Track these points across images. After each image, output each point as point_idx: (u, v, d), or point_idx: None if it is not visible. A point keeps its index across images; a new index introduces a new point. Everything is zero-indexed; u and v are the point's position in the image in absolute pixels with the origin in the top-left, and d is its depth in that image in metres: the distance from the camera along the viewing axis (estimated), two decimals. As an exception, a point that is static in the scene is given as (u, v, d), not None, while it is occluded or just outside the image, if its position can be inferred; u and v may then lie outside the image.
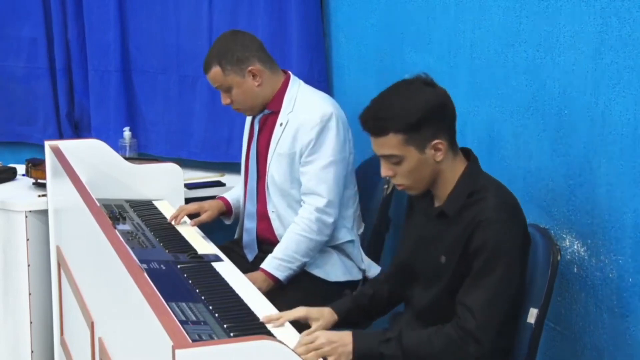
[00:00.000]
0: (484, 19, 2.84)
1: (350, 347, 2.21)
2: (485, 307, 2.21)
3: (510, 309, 2.29)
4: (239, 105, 3.17)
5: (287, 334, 2.30)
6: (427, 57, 3.19)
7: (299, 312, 2.39)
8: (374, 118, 2.29)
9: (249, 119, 3.34)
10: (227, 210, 3.35)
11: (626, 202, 2.29)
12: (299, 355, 2.07)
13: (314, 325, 2.38)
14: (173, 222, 3.21)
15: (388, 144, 2.27)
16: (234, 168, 4.07)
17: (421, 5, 3.21)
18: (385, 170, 2.33)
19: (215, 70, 3.13)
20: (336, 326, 2.43)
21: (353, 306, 2.51)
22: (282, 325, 2.33)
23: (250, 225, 3.25)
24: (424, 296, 2.41)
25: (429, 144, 2.27)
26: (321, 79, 3.84)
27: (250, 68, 3.11)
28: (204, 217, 3.24)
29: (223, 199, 3.38)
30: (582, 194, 2.45)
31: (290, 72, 3.23)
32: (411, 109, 2.25)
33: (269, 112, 3.19)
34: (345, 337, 2.23)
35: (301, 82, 3.22)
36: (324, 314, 2.43)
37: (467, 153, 2.38)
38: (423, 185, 2.34)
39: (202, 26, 4.03)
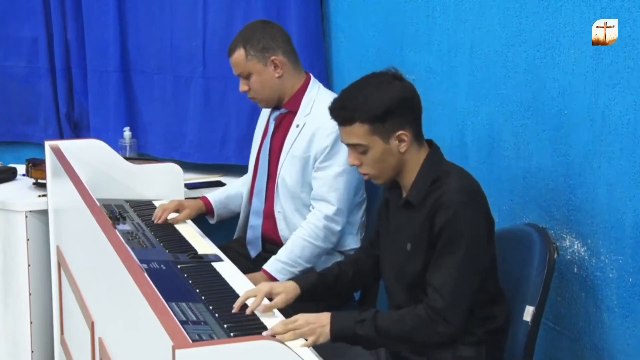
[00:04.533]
0: (484, 19, 2.84)
1: (327, 328, 2.25)
2: (452, 287, 2.26)
3: (489, 290, 2.36)
4: (255, 94, 3.16)
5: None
6: (427, 57, 3.19)
7: (263, 290, 2.42)
8: (342, 108, 2.39)
9: (263, 115, 3.33)
10: (207, 211, 3.35)
11: (626, 202, 2.29)
12: (278, 333, 2.17)
13: (276, 299, 2.41)
14: (174, 221, 3.21)
15: (354, 134, 2.36)
16: (230, 170, 4.07)
17: (421, 5, 3.21)
18: (352, 159, 2.42)
19: (239, 53, 3.12)
20: (300, 300, 2.47)
21: (318, 282, 2.57)
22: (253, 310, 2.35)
23: (255, 222, 3.25)
24: (399, 287, 2.45)
25: (393, 135, 2.36)
26: (321, 79, 3.84)
27: (273, 58, 3.11)
28: (182, 215, 3.23)
29: (205, 199, 3.37)
30: (582, 194, 2.45)
31: (311, 74, 3.22)
32: (377, 102, 2.34)
33: (285, 111, 3.18)
34: (324, 318, 2.26)
35: (321, 85, 3.22)
36: (287, 287, 2.47)
37: (430, 144, 2.46)
38: (388, 175, 2.41)
39: (198, 27, 4.03)
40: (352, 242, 3.12)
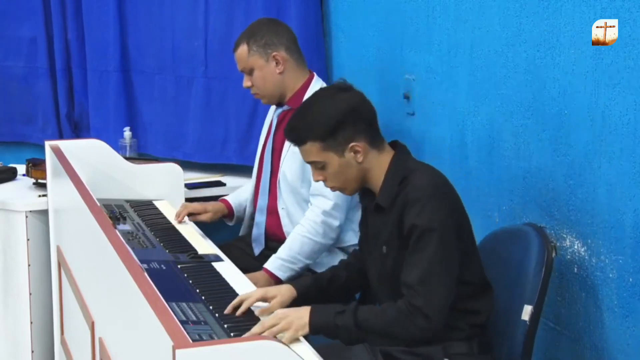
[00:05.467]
0: (484, 19, 2.84)
1: (306, 319, 2.24)
2: (424, 282, 2.26)
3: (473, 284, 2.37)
4: (257, 90, 3.21)
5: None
6: (427, 57, 3.19)
7: (257, 294, 2.42)
8: (292, 129, 2.45)
9: (269, 114, 3.35)
10: (228, 212, 3.37)
11: (626, 202, 2.29)
12: (256, 333, 2.15)
13: (272, 302, 2.41)
14: (175, 221, 3.22)
15: (309, 152, 2.42)
16: (231, 169, 4.07)
17: (421, 5, 3.21)
18: (316, 176, 2.46)
19: (243, 48, 3.18)
20: (295, 303, 2.46)
21: (312, 285, 2.57)
22: (245, 311, 2.34)
23: (260, 219, 3.27)
24: (383, 291, 2.46)
25: (347, 147, 2.38)
26: (321, 79, 3.84)
27: (274, 54, 3.16)
28: (204, 216, 3.25)
29: (225, 201, 3.39)
30: (582, 194, 2.45)
31: (314, 73, 3.26)
32: (324, 119, 2.38)
33: (288, 108, 3.21)
34: (302, 310, 2.27)
35: (323, 83, 3.25)
36: (282, 290, 2.47)
37: (395, 145, 2.46)
38: (353, 186, 2.45)
39: (199, 27, 4.04)
40: (353, 238, 3.14)
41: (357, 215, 3.14)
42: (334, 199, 3.04)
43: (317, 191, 3.06)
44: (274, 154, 3.24)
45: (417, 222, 2.28)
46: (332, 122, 2.37)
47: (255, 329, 2.20)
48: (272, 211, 3.23)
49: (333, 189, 2.47)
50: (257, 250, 3.28)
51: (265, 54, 3.15)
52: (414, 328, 2.26)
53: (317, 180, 2.46)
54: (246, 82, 3.22)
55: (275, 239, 3.22)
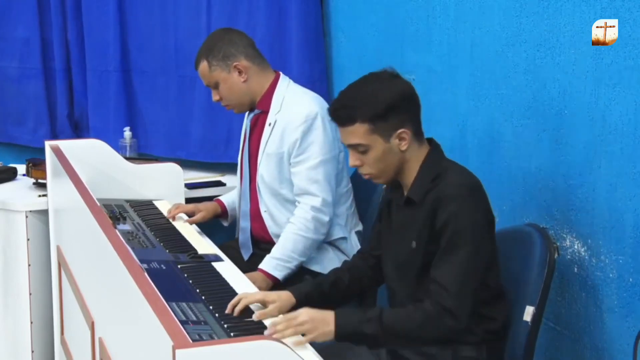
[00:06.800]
0: (484, 19, 2.84)
1: (331, 326, 2.22)
2: (457, 282, 2.25)
3: (490, 288, 2.35)
4: (227, 101, 3.21)
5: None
6: (427, 57, 3.19)
7: (257, 295, 2.40)
8: (342, 107, 2.37)
9: (245, 120, 3.36)
10: (222, 212, 3.37)
11: (626, 202, 2.29)
12: (279, 330, 2.13)
13: (270, 307, 2.37)
14: (174, 221, 3.23)
15: (355, 134, 2.35)
16: (233, 169, 4.07)
17: (421, 5, 3.21)
18: (353, 160, 2.40)
19: (203, 65, 3.18)
20: (295, 309, 2.40)
21: (313, 290, 2.53)
22: (242, 309, 2.32)
23: (244, 224, 3.27)
24: (402, 285, 2.44)
25: (394, 133, 2.34)
26: (321, 79, 3.84)
27: (235, 64, 3.15)
28: (197, 217, 3.25)
29: (219, 201, 3.40)
30: (582, 194, 2.45)
31: (280, 72, 3.25)
32: (377, 99, 2.33)
33: (259, 111, 3.22)
34: (328, 316, 2.24)
35: (290, 81, 3.24)
36: (282, 296, 2.43)
37: (430, 142, 2.45)
38: (389, 174, 2.40)
39: (201, 26, 4.04)
40: (340, 232, 3.15)
41: (343, 210, 3.17)
42: (320, 194, 3.05)
43: (301, 190, 3.08)
44: (250, 159, 3.25)
45: (452, 220, 2.26)
46: (385, 104, 2.31)
47: (280, 326, 2.16)
48: (256, 216, 3.23)
49: (368, 175, 2.41)
50: (245, 255, 3.28)
51: (227, 66, 3.15)
52: (444, 328, 2.25)
53: (354, 166, 2.40)
54: (214, 97, 3.21)
55: (264, 241, 3.22)
